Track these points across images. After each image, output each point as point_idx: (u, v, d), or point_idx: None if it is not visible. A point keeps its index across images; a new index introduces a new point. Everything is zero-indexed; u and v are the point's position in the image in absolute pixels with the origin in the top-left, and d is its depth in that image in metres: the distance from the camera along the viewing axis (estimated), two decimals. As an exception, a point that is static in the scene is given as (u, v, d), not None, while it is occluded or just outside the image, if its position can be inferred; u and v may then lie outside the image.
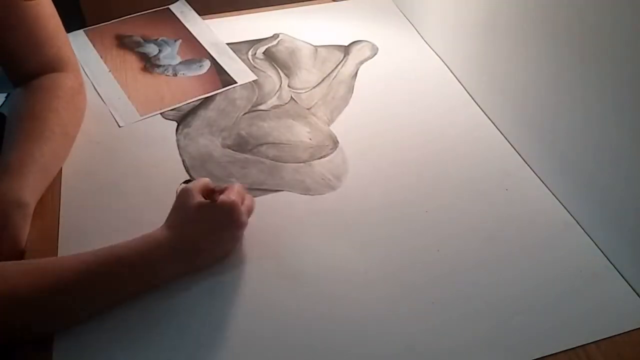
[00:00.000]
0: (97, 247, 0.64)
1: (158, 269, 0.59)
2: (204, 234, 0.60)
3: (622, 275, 0.64)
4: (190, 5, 1.06)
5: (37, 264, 0.58)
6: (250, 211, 0.64)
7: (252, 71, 0.92)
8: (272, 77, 0.91)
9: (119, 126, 0.81)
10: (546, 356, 0.56)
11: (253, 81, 0.90)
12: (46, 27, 0.74)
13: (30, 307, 0.53)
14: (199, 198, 0.61)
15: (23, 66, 0.75)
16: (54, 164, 0.72)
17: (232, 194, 0.62)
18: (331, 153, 0.78)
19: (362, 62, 0.94)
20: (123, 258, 0.57)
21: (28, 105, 0.72)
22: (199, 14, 1.04)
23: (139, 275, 0.58)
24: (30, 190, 0.66)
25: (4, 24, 0.70)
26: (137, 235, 0.59)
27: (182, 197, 0.62)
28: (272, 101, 0.86)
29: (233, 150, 0.78)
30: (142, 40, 0.98)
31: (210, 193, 0.63)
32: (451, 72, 0.92)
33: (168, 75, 0.91)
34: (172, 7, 1.06)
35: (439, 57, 0.95)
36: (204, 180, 0.64)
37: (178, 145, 0.78)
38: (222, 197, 0.60)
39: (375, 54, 0.96)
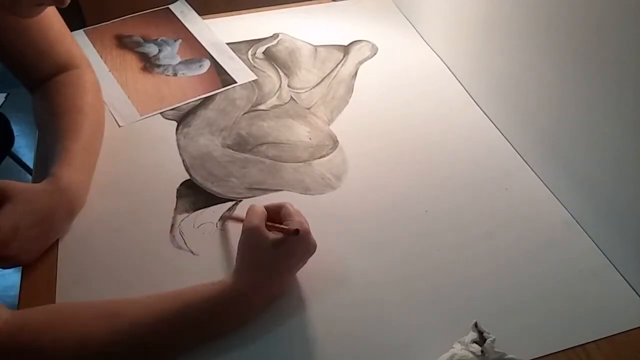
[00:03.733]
0: (97, 247, 0.65)
1: (247, 316, 0.57)
2: (289, 269, 0.59)
3: (622, 275, 0.64)
4: (190, 5, 1.06)
5: (109, 308, 0.55)
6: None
7: (252, 71, 0.92)
8: (271, 76, 0.91)
9: (119, 126, 0.81)
10: (546, 355, 0.56)
11: (253, 81, 0.90)
12: (52, 29, 0.74)
13: (104, 354, 0.52)
14: (271, 235, 0.57)
15: (37, 71, 0.74)
16: (97, 154, 0.74)
17: (298, 218, 0.59)
18: (331, 153, 0.78)
19: (361, 62, 0.94)
20: (203, 310, 0.55)
21: (60, 102, 0.72)
22: (199, 14, 1.04)
23: (226, 324, 0.56)
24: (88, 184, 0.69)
25: (10, 32, 0.70)
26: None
27: (252, 237, 0.58)
28: (272, 101, 0.86)
29: (233, 150, 0.78)
30: (142, 40, 0.98)
31: (272, 219, 0.60)
32: (451, 72, 0.92)
33: (168, 75, 0.91)
34: (172, 7, 1.06)
35: (439, 57, 0.95)
36: (262, 210, 0.60)
37: (178, 145, 0.78)
38: (297, 227, 0.57)
39: (375, 53, 0.96)
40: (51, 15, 0.73)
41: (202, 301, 0.55)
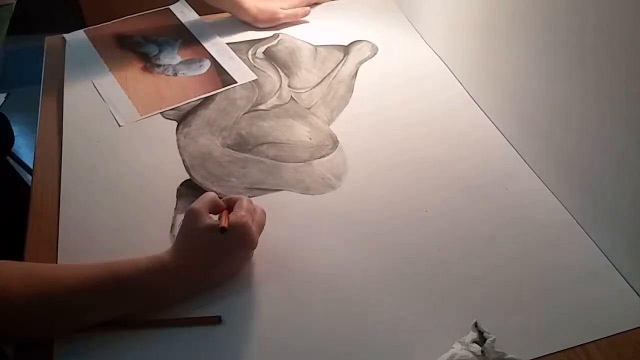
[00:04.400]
0: (97, 247, 0.65)
1: (162, 293, 0.57)
2: (215, 259, 0.58)
3: (622, 275, 0.63)
4: (190, 5, 1.06)
5: (36, 271, 0.55)
6: (261, 227, 0.62)
7: (252, 71, 0.92)
8: (272, 76, 0.91)
9: (119, 126, 0.81)
10: (546, 355, 0.56)
11: (253, 81, 0.90)
12: None
13: (24, 313, 0.52)
14: (208, 220, 0.58)
15: None
16: None
17: (243, 212, 0.58)
18: (331, 153, 0.78)
19: (362, 62, 0.94)
20: (125, 279, 0.55)
21: None
22: (199, 14, 1.04)
23: (141, 297, 0.56)
24: None
25: None
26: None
27: (190, 219, 0.58)
28: (272, 101, 0.86)
29: (233, 149, 0.78)
30: (142, 40, 0.98)
31: (218, 209, 0.60)
32: (451, 72, 0.92)
33: (168, 75, 0.91)
34: (172, 7, 1.06)
35: (439, 57, 0.95)
36: (209, 197, 0.60)
37: (178, 145, 0.78)
38: (233, 219, 0.57)
39: (375, 53, 0.96)
40: None
41: (139, 275, 0.56)
